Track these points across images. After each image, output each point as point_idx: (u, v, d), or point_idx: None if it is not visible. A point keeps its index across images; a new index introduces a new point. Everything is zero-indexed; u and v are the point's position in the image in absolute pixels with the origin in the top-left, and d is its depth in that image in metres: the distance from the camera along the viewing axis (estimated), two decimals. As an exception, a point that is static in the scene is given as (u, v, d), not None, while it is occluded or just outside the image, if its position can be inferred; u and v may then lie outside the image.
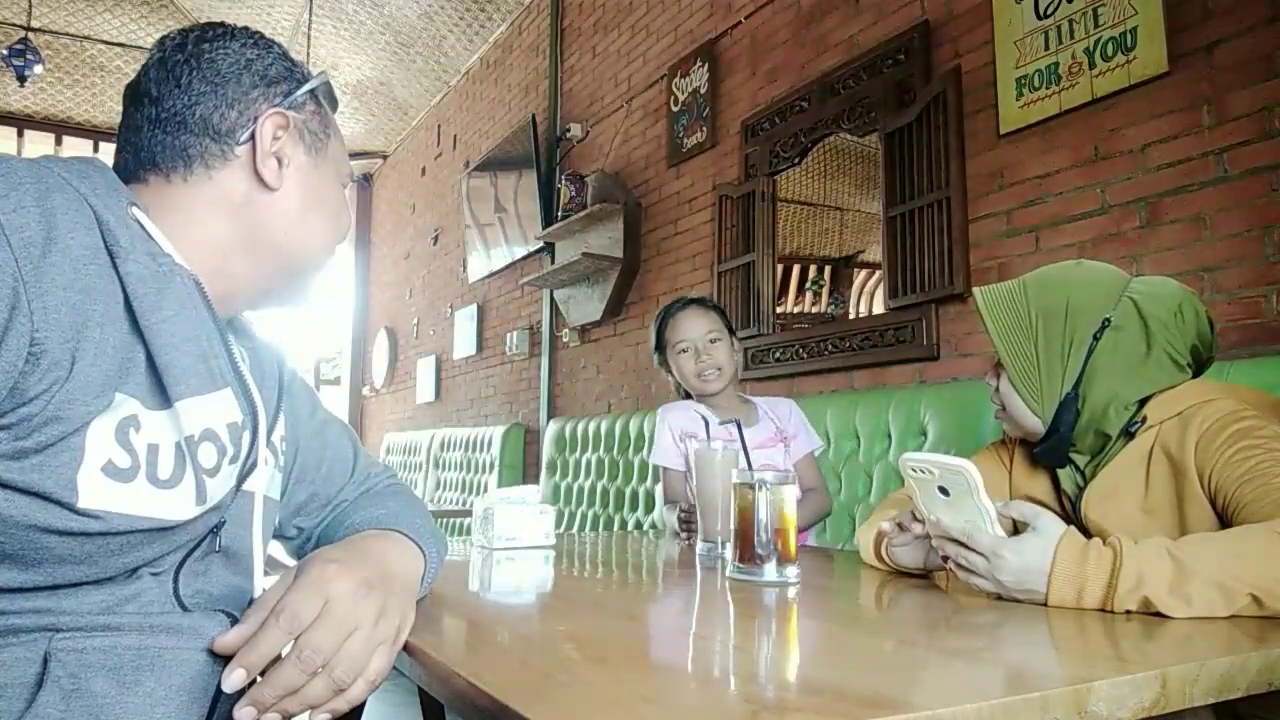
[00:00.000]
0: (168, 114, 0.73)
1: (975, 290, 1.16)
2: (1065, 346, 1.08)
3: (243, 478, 0.74)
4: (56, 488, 0.59)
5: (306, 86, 0.80)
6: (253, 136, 0.76)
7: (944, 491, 0.93)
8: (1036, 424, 1.12)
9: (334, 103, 0.87)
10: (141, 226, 0.68)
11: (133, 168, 0.74)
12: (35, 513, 0.59)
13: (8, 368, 0.56)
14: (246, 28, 0.80)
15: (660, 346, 1.89)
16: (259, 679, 0.64)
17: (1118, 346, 1.06)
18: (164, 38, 0.77)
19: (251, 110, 0.76)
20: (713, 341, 1.81)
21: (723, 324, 1.86)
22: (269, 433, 0.80)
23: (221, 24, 0.79)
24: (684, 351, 1.82)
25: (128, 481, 0.63)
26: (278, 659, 0.63)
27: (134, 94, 0.76)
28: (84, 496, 0.60)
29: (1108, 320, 1.06)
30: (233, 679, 0.62)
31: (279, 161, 0.77)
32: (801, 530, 1.74)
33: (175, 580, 0.71)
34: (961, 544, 0.92)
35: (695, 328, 1.82)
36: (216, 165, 0.75)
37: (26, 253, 0.57)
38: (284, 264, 0.80)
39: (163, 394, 0.66)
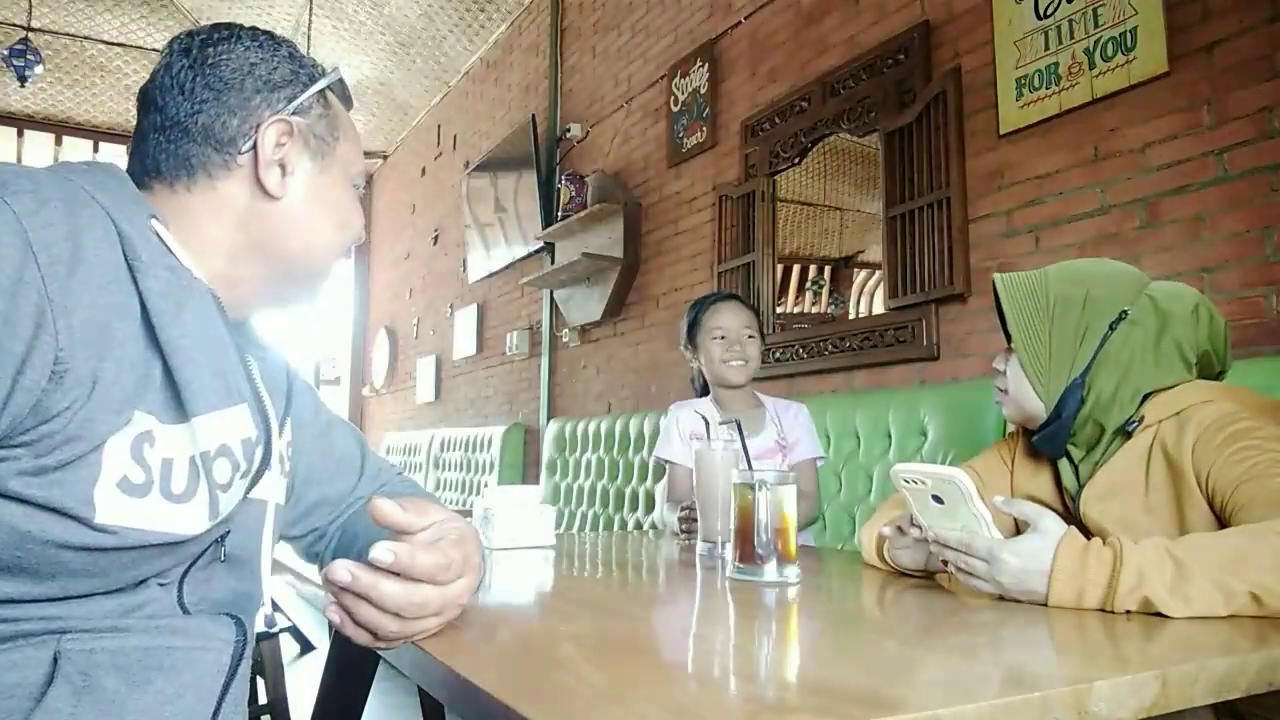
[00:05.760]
0: (171, 122, 0.73)
1: (995, 276, 1.19)
2: (1079, 335, 1.10)
3: (250, 486, 0.74)
4: (74, 503, 0.59)
5: (314, 88, 0.78)
6: (255, 145, 0.74)
7: (938, 500, 0.93)
8: (1039, 408, 1.13)
9: (348, 101, 0.85)
10: (160, 240, 0.68)
11: (139, 175, 0.74)
12: (53, 528, 0.59)
13: (31, 386, 0.56)
14: (254, 28, 0.78)
15: (692, 332, 1.91)
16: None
17: (1130, 340, 1.08)
18: (173, 40, 0.76)
19: (254, 118, 0.74)
20: (749, 338, 1.86)
21: (758, 326, 1.92)
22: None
23: (230, 25, 0.77)
24: (718, 338, 1.86)
25: (142, 496, 0.63)
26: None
27: (143, 100, 0.75)
28: (100, 512, 0.60)
29: (1124, 313, 1.09)
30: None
31: (282, 169, 0.76)
32: None
33: (180, 588, 0.71)
34: (960, 549, 0.92)
35: (736, 320, 1.87)
36: (219, 174, 0.74)
37: (53, 271, 0.57)
38: (291, 270, 0.80)
39: (178, 408, 0.66)
